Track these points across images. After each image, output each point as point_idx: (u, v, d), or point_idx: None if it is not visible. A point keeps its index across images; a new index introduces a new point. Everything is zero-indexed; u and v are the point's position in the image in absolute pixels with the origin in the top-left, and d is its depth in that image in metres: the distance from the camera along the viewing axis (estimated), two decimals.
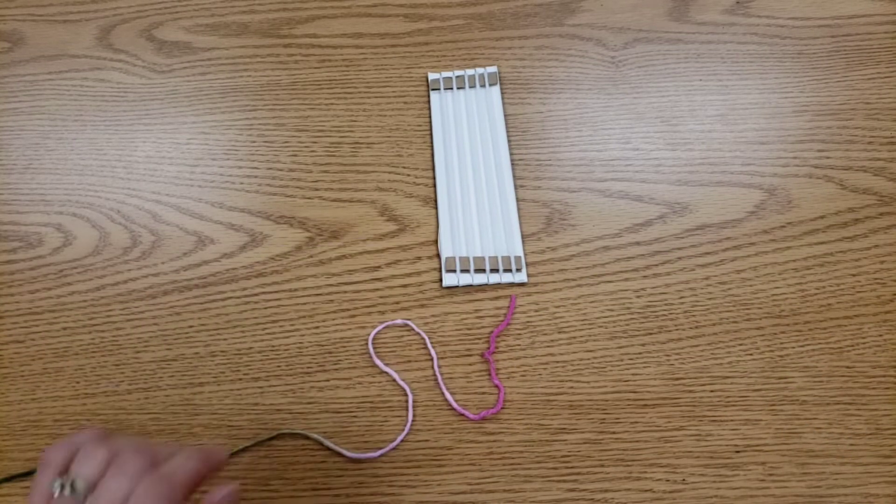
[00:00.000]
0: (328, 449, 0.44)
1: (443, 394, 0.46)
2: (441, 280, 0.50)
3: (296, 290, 0.50)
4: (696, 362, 0.47)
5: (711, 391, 0.46)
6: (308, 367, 0.47)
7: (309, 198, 0.53)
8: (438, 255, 0.51)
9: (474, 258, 0.50)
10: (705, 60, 0.59)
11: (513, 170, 0.54)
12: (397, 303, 0.49)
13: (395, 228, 0.52)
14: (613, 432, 0.45)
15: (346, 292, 0.50)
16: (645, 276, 0.50)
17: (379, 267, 0.50)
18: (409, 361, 0.47)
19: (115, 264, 0.51)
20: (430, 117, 0.57)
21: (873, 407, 0.45)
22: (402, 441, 0.44)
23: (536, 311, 0.49)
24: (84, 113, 0.58)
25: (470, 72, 0.58)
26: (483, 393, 0.46)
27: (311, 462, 0.44)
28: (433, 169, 0.54)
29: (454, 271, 0.50)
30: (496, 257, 0.50)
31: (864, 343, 0.47)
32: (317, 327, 0.48)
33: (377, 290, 0.50)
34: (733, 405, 0.45)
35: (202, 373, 0.47)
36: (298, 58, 0.60)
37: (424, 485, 0.43)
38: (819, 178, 0.53)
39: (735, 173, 0.53)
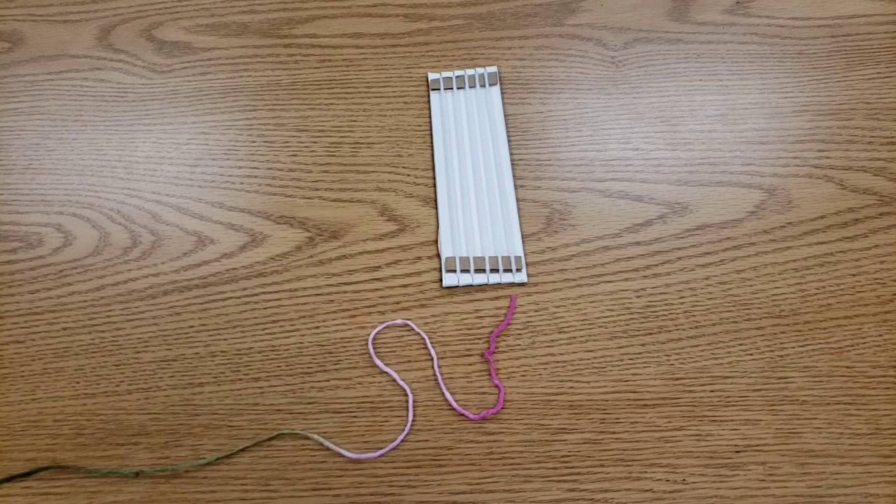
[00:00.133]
0: (328, 449, 0.44)
1: (443, 394, 0.46)
2: (441, 280, 0.50)
3: (296, 290, 0.50)
4: (696, 362, 0.47)
5: (711, 391, 0.46)
6: (308, 367, 0.47)
7: (309, 198, 0.53)
8: (438, 255, 0.51)
9: (474, 258, 0.50)
10: (705, 60, 0.59)
11: (513, 170, 0.54)
12: (397, 303, 0.49)
13: (395, 228, 0.52)
14: (613, 432, 0.45)
15: (346, 292, 0.50)
16: (645, 276, 0.50)
17: (379, 267, 0.50)
18: (409, 361, 0.47)
19: (115, 264, 0.51)
20: (430, 117, 0.57)
21: (873, 407, 0.45)
22: (402, 441, 0.44)
23: (536, 311, 0.49)
24: (84, 113, 0.58)
25: (470, 72, 0.58)
26: (483, 393, 0.46)
27: (311, 462, 0.44)
28: (433, 169, 0.54)
29: (454, 271, 0.50)
30: (496, 257, 0.50)
31: (864, 343, 0.47)
32: (317, 327, 0.48)
33: (377, 290, 0.50)
34: (733, 405, 0.45)
35: (202, 373, 0.47)
36: (298, 58, 0.60)
37: (424, 485, 0.43)
38: (819, 178, 0.53)
39: (735, 173, 0.53)
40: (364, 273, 0.50)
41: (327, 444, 0.44)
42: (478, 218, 0.52)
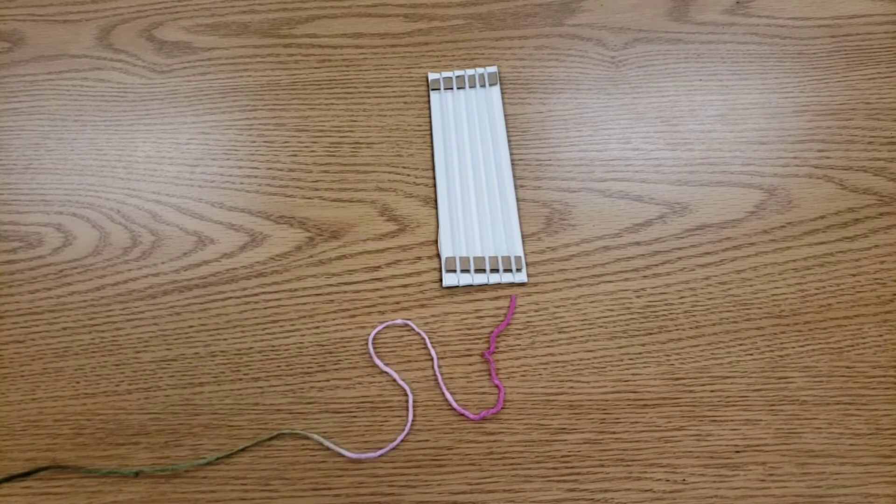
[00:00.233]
0: (328, 449, 0.44)
1: (443, 394, 0.46)
2: (441, 280, 0.50)
3: (296, 290, 0.50)
4: (696, 362, 0.47)
5: (711, 391, 0.46)
6: (308, 367, 0.47)
7: (309, 198, 0.53)
8: (438, 255, 0.51)
9: (474, 258, 0.50)
10: (705, 60, 0.59)
11: (513, 170, 0.54)
12: (397, 303, 0.49)
13: (395, 228, 0.52)
14: (613, 432, 0.45)
15: (346, 292, 0.50)
16: (645, 276, 0.50)
17: (379, 267, 0.50)
18: (409, 361, 0.47)
19: (115, 264, 0.51)
20: (430, 117, 0.57)
21: (873, 407, 0.45)
22: (402, 441, 0.44)
23: (536, 311, 0.49)
24: (84, 113, 0.58)
25: (470, 72, 0.58)
26: (483, 393, 0.46)
27: (311, 462, 0.44)
28: (433, 169, 0.54)
29: (454, 271, 0.50)
30: (496, 257, 0.50)
31: (864, 343, 0.47)
32: (317, 327, 0.48)
33: (377, 290, 0.50)
34: (733, 405, 0.45)
35: (202, 373, 0.47)
36: (298, 58, 0.60)
37: (424, 485, 0.43)
38: (819, 178, 0.53)
39: (735, 173, 0.53)
40: (364, 273, 0.50)
41: (327, 444, 0.44)
42: (478, 218, 0.52)
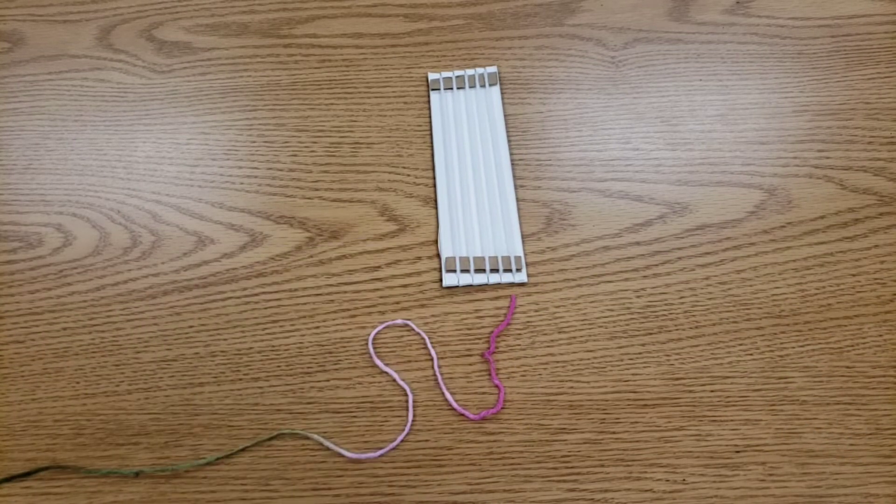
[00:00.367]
0: (328, 449, 0.44)
1: (443, 394, 0.46)
2: (441, 280, 0.50)
3: (296, 290, 0.50)
4: (696, 362, 0.47)
5: (711, 391, 0.46)
6: (308, 367, 0.47)
7: (309, 198, 0.53)
8: (438, 255, 0.51)
9: (474, 258, 0.50)
10: (705, 60, 0.59)
11: (513, 170, 0.54)
12: (397, 303, 0.49)
13: (395, 228, 0.52)
14: (613, 432, 0.45)
15: (346, 292, 0.50)
16: (645, 276, 0.50)
17: (379, 267, 0.50)
18: (409, 361, 0.47)
19: (115, 264, 0.51)
20: (430, 117, 0.57)
21: (873, 407, 0.45)
22: (402, 441, 0.44)
23: (536, 311, 0.49)
24: (84, 113, 0.58)
25: (470, 72, 0.58)
26: (483, 393, 0.46)
27: (311, 462, 0.44)
28: (433, 169, 0.54)
29: (454, 271, 0.50)
30: (496, 257, 0.50)
31: (864, 343, 0.47)
32: (317, 327, 0.48)
33: (377, 290, 0.50)
34: (733, 405, 0.45)
35: (202, 373, 0.47)
36: (298, 58, 0.60)
37: (424, 485, 0.43)
38: (819, 178, 0.53)
39: (735, 173, 0.53)
40: (364, 273, 0.50)
41: (327, 444, 0.44)
42: (478, 218, 0.52)
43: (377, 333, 0.48)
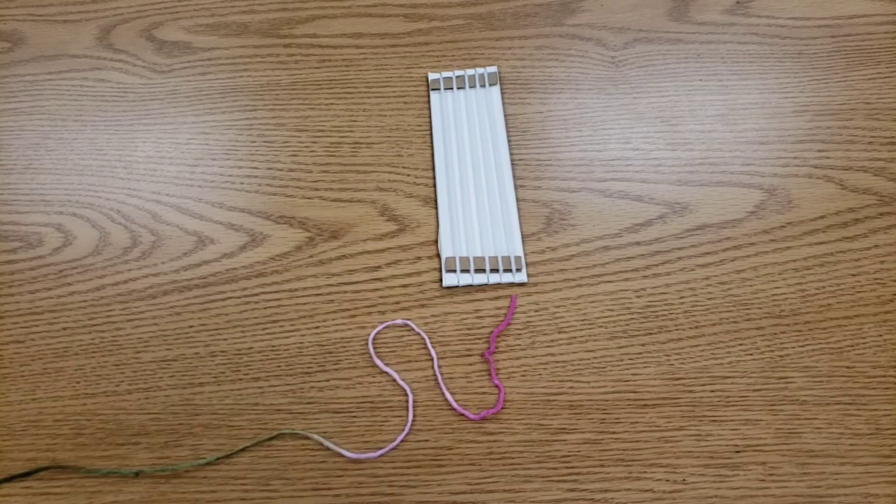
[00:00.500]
0: (328, 449, 0.44)
1: (443, 394, 0.46)
2: (441, 280, 0.50)
3: (296, 290, 0.50)
4: (696, 362, 0.47)
5: (711, 391, 0.46)
6: (308, 367, 0.47)
7: (309, 198, 0.53)
8: (438, 255, 0.51)
9: (474, 258, 0.50)
10: (705, 60, 0.59)
11: (513, 170, 0.54)
12: (397, 303, 0.49)
13: (395, 228, 0.52)
14: (613, 432, 0.45)
15: (346, 292, 0.50)
16: (645, 276, 0.50)
17: (379, 267, 0.50)
18: (409, 361, 0.47)
19: (115, 264, 0.51)
20: (430, 117, 0.57)
21: (873, 407, 0.45)
22: (402, 441, 0.44)
23: (536, 311, 0.49)
24: (84, 113, 0.58)
25: (470, 72, 0.58)
26: (483, 393, 0.46)
27: (311, 462, 0.44)
28: (433, 169, 0.54)
29: (454, 271, 0.50)
30: (496, 257, 0.50)
31: (864, 343, 0.47)
32: (317, 327, 0.48)
33: (377, 290, 0.50)
34: (733, 405, 0.45)
35: (202, 373, 0.47)
36: (298, 58, 0.60)
37: (424, 485, 0.43)
38: (819, 178, 0.53)
39: (735, 173, 0.53)
40: (364, 273, 0.50)
41: (327, 444, 0.44)
42: (478, 218, 0.52)
43: (377, 333, 0.48)
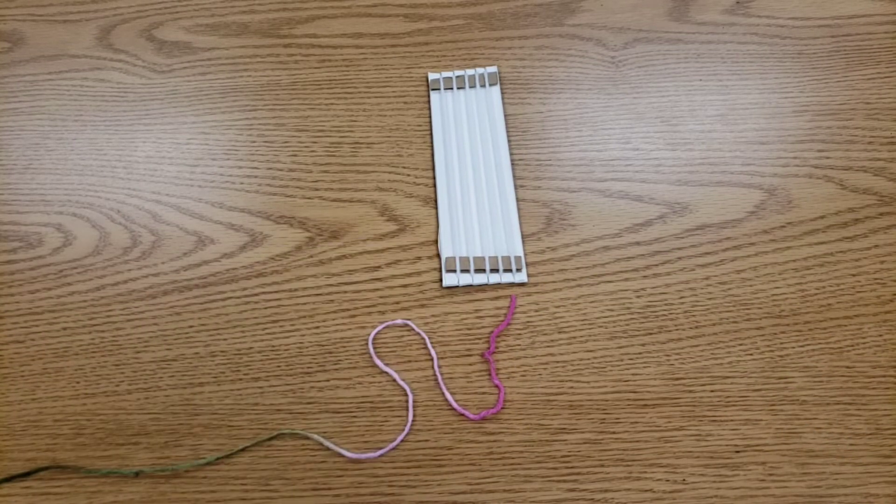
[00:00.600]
0: (328, 449, 0.44)
1: (443, 394, 0.46)
2: (441, 280, 0.50)
3: (296, 290, 0.50)
4: (696, 362, 0.47)
5: (711, 391, 0.46)
6: (308, 367, 0.47)
7: (309, 198, 0.53)
8: (438, 255, 0.51)
9: (474, 258, 0.50)
10: (705, 60, 0.59)
11: (513, 170, 0.54)
12: (397, 303, 0.49)
13: (395, 228, 0.52)
14: (613, 432, 0.45)
15: (346, 292, 0.50)
16: (645, 276, 0.50)
17: (379, 267, 0.50)
18: (409, 361, 0.47)
19: (115, 264, 0.51)
20: (430, 117, 0.57)
21: (873, 407, 0.45)
22: (402, 441, 0.44)
23: (536, 311, 0.49)
24: (84, 113, 0.58)
25: (470, 72, 0.58)
26: (483, 393, 0.46)
27: (311, 462, 0.44)
28: (433, 169, 0.54)
29: (454, 271, 0.50)
30: (496, 257, 0.50)
31: (864, 343, 0.47)
32: (317, 327, 0.48)
33: (377, 290, 0.50)
34: (733, 405, 0.45)
35: (202, 373, 0.47)
36: (298, 58, 0.60)
37: (424, 485, 0.43)
38: (819, 178, 0.53)
39: (735, 173, 0.53)
40: (364, 273, 0.50)
41: (327, 444, 0.44)
42: (478, 218, 0.52)
43: (377, 333, 0.48)
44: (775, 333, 0.47)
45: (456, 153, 0.55)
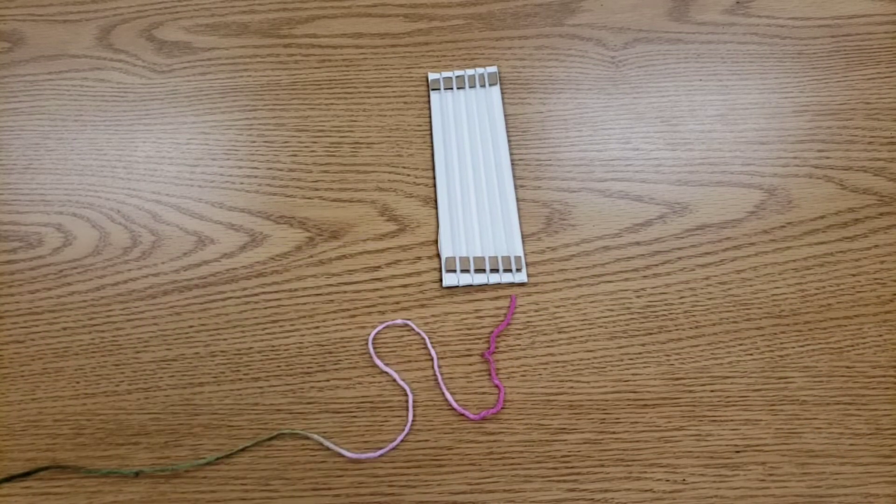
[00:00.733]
0: (328, 449, 0.44)
1: (443, 394, 0.46)
2: (441, 280, 0.50)
3: (296, 290, 0.50)
4: (696, 362, 0.47)
5: (711, 391, 0.46)
6: (308, 367, 0.47)
7: (309, 198, 0.53)
8: (438, 255, 0.51)
9: (474, 258, 0.50)
10: (705, 60, 0.59)
11: (513, 170, 0.54)
12: (397, 303, 0.49)
13: (395, 228, 0.52)
14: (613, 432, 0.45)
15: (346, 292, 0.50)
16: (645, 276, 0.50)
17: (379, 267, 0.50)
18: (409, 361, 0.47)
19: (115, 264, 0.51)
20: (430, 117, 0.57)
21: (873, 407, 0.45)
22: (402, 441, 0.44)
23: (536, 311, 0.49)
24: (84, 113, 0.58)
25: (470, 72, 0.58)
26: (483, 393, 0.46)
27: (311, 462, 0.44)
28: (433, 169, 0.54)
29: (454, 271, 0.50)
30: (496, 257, 0.50)
31: (864, 343, 0.47)
32: (317, 327, 0.48)
33: (377, 290, 0.50)
34: (733, 405, 0.45)
35: (202, 373, 0.47)
36: (298, 58, 0.60)
37: (424, 485, 0.43)
38: (819, 178, 0.53)
39: (735, 173, 0.53)
40: (364, 273, 0.50)
41: (327, 444, 0.44)
42: (478, 218, 0.52)
43: (377, 333, 0.48)
44: (775, 333, 0.47)
45: (456, 153, 0.55)
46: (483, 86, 0.58)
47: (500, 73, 0.58)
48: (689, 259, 0.50)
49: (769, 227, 0.51)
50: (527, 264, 0.50)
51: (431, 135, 0.56)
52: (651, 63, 0.59)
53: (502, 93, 0.58)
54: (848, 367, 0.46)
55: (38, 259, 0.51)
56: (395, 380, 0.46)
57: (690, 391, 0.46)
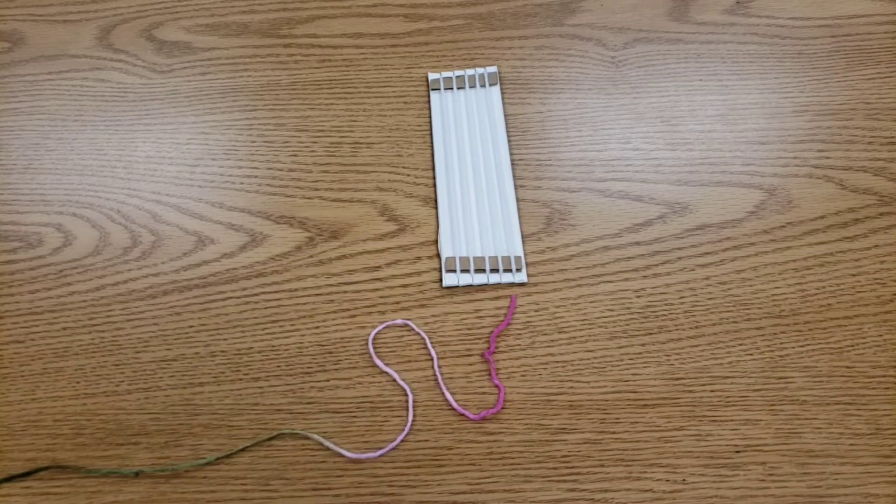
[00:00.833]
0: (328, 449, 0.44)
1: (443, 394, 0.46)
2: (441, 280, 0.50)
3: (296, 290, 0.50)
4: (696, 362, 0.47)
5: (711, 391, 0.46)
6: (308, 367, 0.47)
7: (309, 198, 0.53)
8: (438, 255, 0.51)
9: (474, 258, 0.50)
10: (705, 60, 0.59)
11: (513, 170, 0.54)
12: (397, 303, 0.49)
13: (395, 228, 0.52)
14: (613, 432, 0.45)
15: (346, 292, 0.50)
16: (645, 276, 0.50)
17: (379, 267, 0.50)
18: (409, 361, 0.47)
19: (115, 264, 0.51)
20: (430, 117, 0.57)
21: (873, 407, 0.45)
22: (402, 441, 0.44)
23: (536, 311, 0.49)
24: (84, 113, 0.58)
25: (470, 72, 0.58)
26: (483, 393, 0.46)
27: (311, 462, 0.44)
28: (433, 169, 0.54)
29: (454, 271, 0.50)
30: (496, 257, 0.50)
31: (864, 343, 0.47)
32: (317, 327, 0.48)
33: (377, 290, 0.50)
34: (733, 405, 0.45)
35: (202, 373, 0.47)
36: (298, 58, 0.60)
37: (424, 485, 0.43)
38: (819, 178, 0.53)
39: (735, 173, 0.53)
40: (364, 273, 0.50)
41: (327, 444, 0.44)
42: (478, 218, 0.52)
43: (377, 333, 0.48)
44: (775, 333, 0.47)
45: (456, 153, 0.55)
46: (483, 86, 0.58)
47: (500, 73, 0.58)
48: (689, 259, 0.50)
49: (769, 227, 0.51)
50: (527, 264, 0.50)
51: (431, 135, 0.56)
52: (651, 63, 0.59)
53: (502, 93, 0.58)
54: (848, 367, 0.46)
55: (38, 259, 0.51)
56: (395, 380, 0.46)
57: (690, 391, 0.46)
